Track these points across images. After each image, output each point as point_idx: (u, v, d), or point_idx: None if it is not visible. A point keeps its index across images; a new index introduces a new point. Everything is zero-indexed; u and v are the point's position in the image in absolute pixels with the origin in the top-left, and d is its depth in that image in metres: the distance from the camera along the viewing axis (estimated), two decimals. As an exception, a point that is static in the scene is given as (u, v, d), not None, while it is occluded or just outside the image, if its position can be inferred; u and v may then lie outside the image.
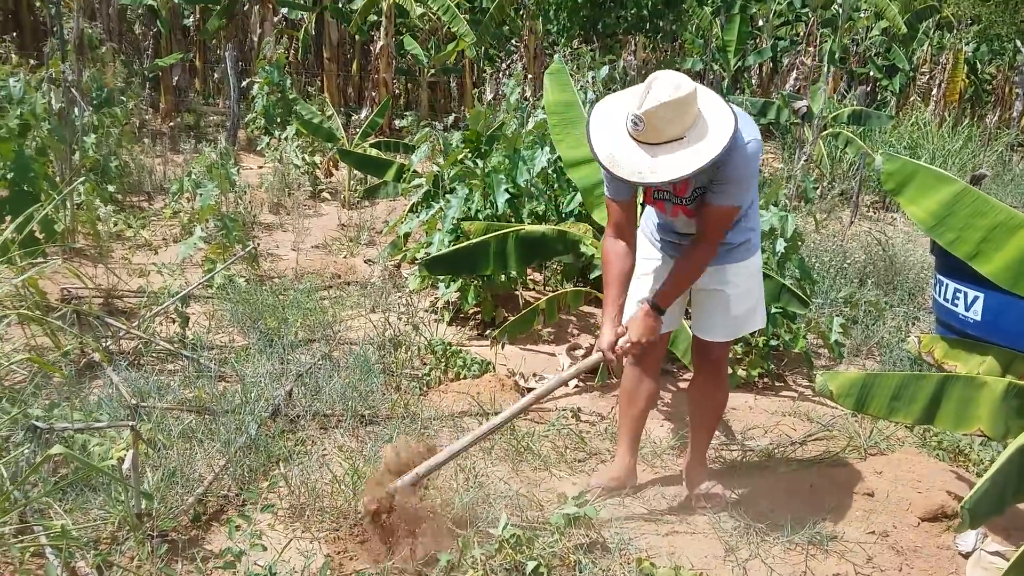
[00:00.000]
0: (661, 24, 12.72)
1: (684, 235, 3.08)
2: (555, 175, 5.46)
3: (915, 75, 16.17)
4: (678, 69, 13.35)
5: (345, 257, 6.58)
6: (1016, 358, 3.21)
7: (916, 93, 15.98)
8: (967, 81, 16.21)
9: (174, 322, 4.54)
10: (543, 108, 5.91)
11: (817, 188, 8.59)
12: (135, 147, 8.40)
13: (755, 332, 4.61)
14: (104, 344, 4.19)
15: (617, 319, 2.95)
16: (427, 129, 5.81)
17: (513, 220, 5.26)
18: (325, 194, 8.54)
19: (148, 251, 6.18)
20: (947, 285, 4.52)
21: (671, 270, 2.94)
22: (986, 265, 2.87)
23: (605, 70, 6.35)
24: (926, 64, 16.23)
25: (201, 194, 5.77)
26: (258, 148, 9.29)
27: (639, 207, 3.23)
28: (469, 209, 5.12)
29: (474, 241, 4.42)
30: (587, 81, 6.61)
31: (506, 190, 5.08)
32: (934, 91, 15.66)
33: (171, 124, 11.44)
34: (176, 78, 12.35)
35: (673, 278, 2.92)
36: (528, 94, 8.38)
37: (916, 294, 6.11)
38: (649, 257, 3.17)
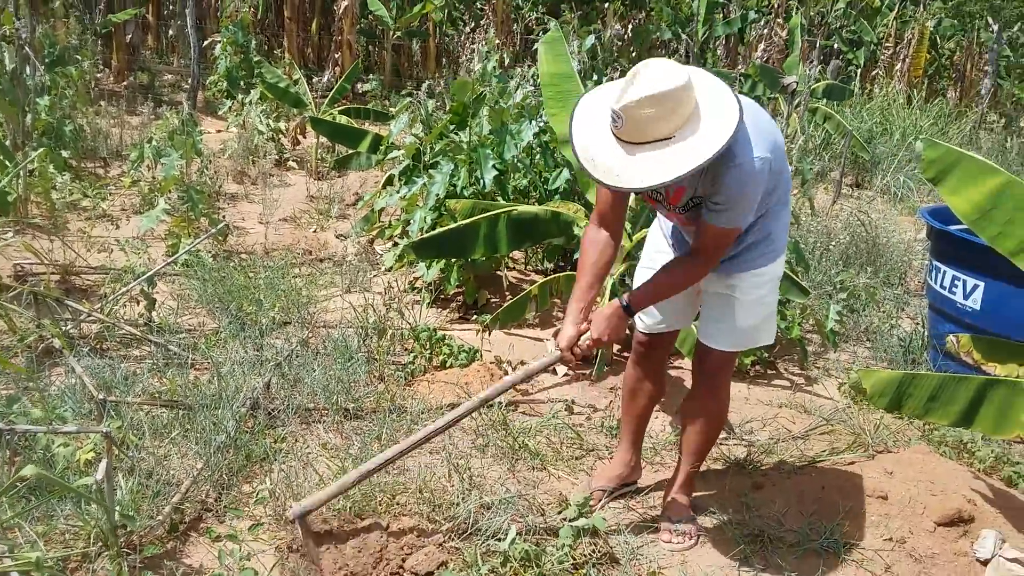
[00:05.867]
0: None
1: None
2: (539, 150, 5.22)
3: (878, 49, 16.10)
4: (655, 39, 13.11)
5: (315, 231, 6.28)
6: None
7: (880, 67, 15.93)
8: (929, 56, 16.17)
9: (138, 303, 4.25)
10: (532, 79, 5.68)
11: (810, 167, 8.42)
12: (90, 109, 7.94)
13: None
14: (64, 328, 3.88)
15: (583, 314, 2.66)
16: (408, 99, 5.50)
17: (499, 196, 5.03)
18: (292, 163, 8.16)
19: (107, 224, 5.81)
20: (944, 272, 4.41)
21: (654, 274, 2.68)
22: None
23: (591, 40, 6.09)
24: (890, 38, 16.16)
25: (164, 164, 5.40)
26: (219, 112, 8.86)
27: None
28: (454, 186, 4.86)
29: (464, 223, 4.18)
30: (570, 52, 6.34)
31: (494, 166, 4.82)
32: (898, 66, 15.59)
33: (124, 84, 10.92)
34: (129, 35, 11.75)
35: (652, 284, 2.66)
36: (502, 61, 8.07)
37: (902, 277, 6.02)
38: (661, 250, 2.93)
